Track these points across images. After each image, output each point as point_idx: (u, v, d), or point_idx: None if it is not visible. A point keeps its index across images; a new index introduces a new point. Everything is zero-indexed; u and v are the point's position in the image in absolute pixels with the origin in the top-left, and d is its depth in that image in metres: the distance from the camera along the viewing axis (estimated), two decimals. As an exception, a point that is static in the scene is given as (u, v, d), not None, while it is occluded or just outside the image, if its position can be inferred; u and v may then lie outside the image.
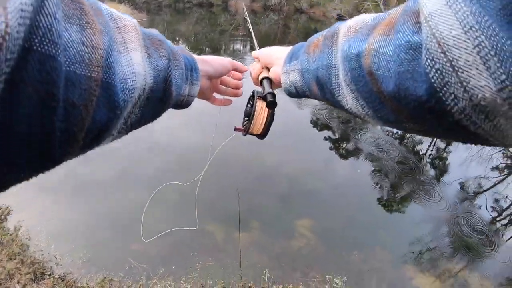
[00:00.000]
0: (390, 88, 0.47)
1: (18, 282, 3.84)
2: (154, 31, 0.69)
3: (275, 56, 1.00)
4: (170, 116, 0.83)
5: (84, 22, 0.42)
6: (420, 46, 0.41)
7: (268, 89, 0.98)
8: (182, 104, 0.83)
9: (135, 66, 0.53)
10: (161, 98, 0.65)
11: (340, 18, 0.84)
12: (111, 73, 0.45)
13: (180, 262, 4.28)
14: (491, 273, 4.51)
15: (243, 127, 1.06)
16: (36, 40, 0.32)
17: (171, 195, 5.42)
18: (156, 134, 7.39)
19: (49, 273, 4.04)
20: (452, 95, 0.38)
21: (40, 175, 0.41)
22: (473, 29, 0.34)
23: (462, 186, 6.46)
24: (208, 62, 0.95)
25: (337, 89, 0.66)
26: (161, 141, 7.29)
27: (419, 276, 4.38)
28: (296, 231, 4.98)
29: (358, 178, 6.55)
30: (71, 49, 0.38)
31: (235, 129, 1.06)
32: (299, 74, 0.82)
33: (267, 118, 1.02)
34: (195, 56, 0.90)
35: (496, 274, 4.51)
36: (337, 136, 7.96)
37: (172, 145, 7.23)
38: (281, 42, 22.69)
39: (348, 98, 0.62)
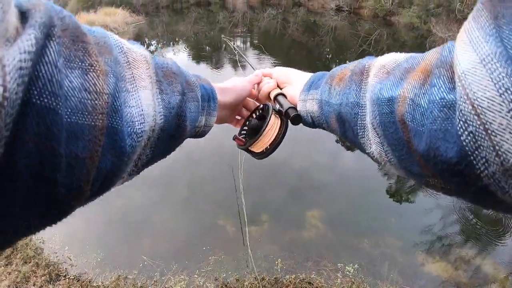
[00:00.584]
0: (421, 145, 0.44)
1: (34, 285, 3.90)
2: (169, 61, 0.67)
3: (293, 77, 0.96)
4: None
5: (87, 65, 0.39)
6: (454, 105, 0.39)
7: (287, 103, 0.90)
8: (198, 134, 0.81)
9: (144, 107, 0.50)
10: (173, 134, 0.62)
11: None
12: (118, 118, 0.43)
13: (193, 257, 4.32)
14: (505, 259, 4.52)
15: (243, 138, 0.96)
16: (35, 92, 0.30)
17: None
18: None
19: (64, 274, 4.10)
20: (483, 159, 0.36)
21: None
22: (508, 91, 0.32)
23: None
24: (227, 91, 0.91)
25: (362, 130, 0.63)
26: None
27: (430, 262, 4.39)
28: (307, 221, 5.01)
29: (366, 168, 6.54)
30: (72, 98, 0.36)
31: (235, 138, 0.95)
32: (317, 105, 0.78)
33: (275, 138, 0.91)
34: (214, 84, 0.88)
35: (510, 260, 4.51)
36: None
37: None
38: (281, 36, 22.69)
39: (373, 142, 0.59)
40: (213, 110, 0.82)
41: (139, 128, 0.48)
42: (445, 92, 0.41)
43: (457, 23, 18.65)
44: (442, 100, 0.41)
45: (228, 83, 0.95)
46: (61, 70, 0.34)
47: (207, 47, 18.87)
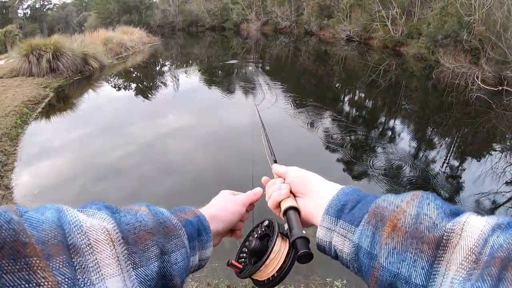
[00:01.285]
0: None
1: None
2: (141, 215, 0.63)
3: (312, 187, 0.81)
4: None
5: (34, 285, 0.37)
6: None
7: (298, 230, 0.74)
8: (194, 270, 0.77)
9: None
10: None
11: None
12: None
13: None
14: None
15: (241, 263, 0.81)
16: None
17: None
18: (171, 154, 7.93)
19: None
20: None
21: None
22: None
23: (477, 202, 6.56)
24: (217, 218, 0.84)
25: None
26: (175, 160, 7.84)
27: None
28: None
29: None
30: None
31: (230, 264, 0.79)
32: (352, 248, 0.66)
33: (283, 263, 0.73)
34: (203, 211, 0.82)
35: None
36: (349, 159, 7.98)
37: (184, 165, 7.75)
38: (292, 64, 23.29)
39: None
40: (206, 242, 0.77)
41: None
42: None
43: (465, 54, 19.09)
44: None
45: (218, 207, 0.87)
46: None
47: (220, 71, 19.45)
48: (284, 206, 0.81)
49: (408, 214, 0.58)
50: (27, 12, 50.22)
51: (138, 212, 0.63)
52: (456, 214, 0.57)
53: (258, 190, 0.96)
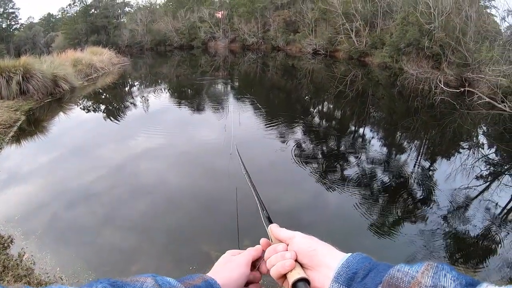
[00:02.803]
0: None
1: (24, 303, 3.86)
2: (145, 285, 0.63)
3: (322, 259, 0.75)
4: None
5: None
6: None
7: None
8: None
9: None
10: None
11: None
12: None
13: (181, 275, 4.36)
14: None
15: None
16: None
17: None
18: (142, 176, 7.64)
19: (55, 293, 4.08)
20: None
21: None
22: None
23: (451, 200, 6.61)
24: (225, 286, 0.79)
25: None
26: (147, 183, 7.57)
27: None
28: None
29: (347, 206, 6.62)
30: None
31: None
32: None
33: None
34: (212, 276, 0.79)
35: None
36: (322, 169, 7.94)
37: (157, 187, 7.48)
38: (261, 79, 23.39)
39: None
40: None
41: None
42: None
43: (427, 60, 19.76)
44: None
45: (222, 275, 0.81)
46: None
47: (189, 90, 19.29)
48: (292, 278, 0.74)
49: (423, 285, 0.55)
50: (-7, 32, 48.96)
51: (144, 284, 0.62)
52: (471, 285, 0.53)
53: (258, 247, 0.88)
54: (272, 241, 0.87)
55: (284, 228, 0.86)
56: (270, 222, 0.91)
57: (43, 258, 4.60)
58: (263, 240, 0.89)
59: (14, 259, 4.53)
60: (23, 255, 4.65)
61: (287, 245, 0.81)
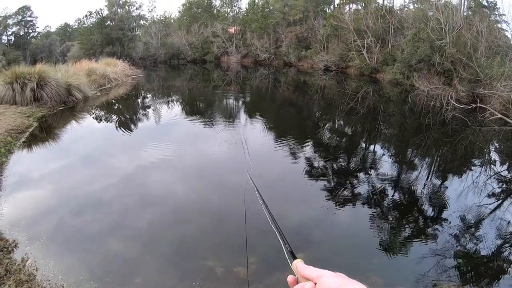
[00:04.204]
0: None
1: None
2: None
3: None
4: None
5: None
6: None
7: None
8: None
9: None
10: None
11: None
12: None
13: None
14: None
15: None
16: None
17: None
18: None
19: (57, 300, 4.16)
20: None
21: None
22: None
23: (461, 219, 6.52)
24: None
25: None
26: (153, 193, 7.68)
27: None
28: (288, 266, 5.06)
29: (357, 224, 6.65)
30: None
31: None
32: None
33: None
34: None
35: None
36: (332, 186, 7.91)
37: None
38: (272, 95, 23.52)
39: None
40: None
41: None
42: None
43: (438, 76, 19.68)
44: None
45: None
46: None
47: (201, 104, 19.50)
48: None
49: None
50: (11, 39, 49.97)
51: None
52: None
53: None
54: (298, 278, 0.84)
55: (311, 266, 0.82)
56: (294, 257, 0.89)
57: (46, 264, 4.64)
58: (290, 278, 0.86)
59: (17, 264, 4.59)
60: (27, 260, 4.70)
61: (315, 284, 0.77)
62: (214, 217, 6.31)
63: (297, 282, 0.82)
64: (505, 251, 5.56)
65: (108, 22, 48.64)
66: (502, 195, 7.71)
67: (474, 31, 18.53)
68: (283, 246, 0.96)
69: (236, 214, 5.99)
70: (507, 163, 10.01)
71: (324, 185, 7.81)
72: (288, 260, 0.89)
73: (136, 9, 50.90)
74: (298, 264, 0.84)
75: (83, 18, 53.08)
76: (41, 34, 56.47)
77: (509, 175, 9.21)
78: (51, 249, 5.09)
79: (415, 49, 21.70)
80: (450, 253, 5.38)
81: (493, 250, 5.50)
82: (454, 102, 15.40)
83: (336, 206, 6.92)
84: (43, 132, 11.38)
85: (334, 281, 0.73)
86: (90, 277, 4.50)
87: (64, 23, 68.96)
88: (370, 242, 5.62)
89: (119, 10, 49.24)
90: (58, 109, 14.04)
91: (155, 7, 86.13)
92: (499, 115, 12.88)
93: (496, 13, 23.59)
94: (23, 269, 4.52)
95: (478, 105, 14.33)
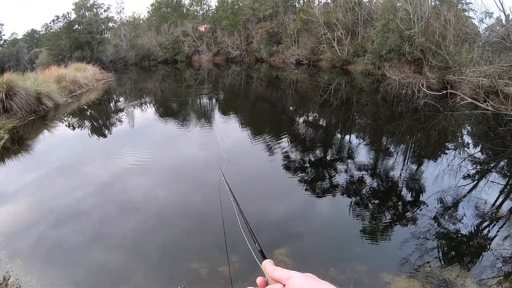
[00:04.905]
0: None
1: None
2: None
3: None
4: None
5: None
6: None
7: None
8: None
9: None
10: None
11: None
12: None
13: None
14: (475, 273, 4.58)
15: None
16: None
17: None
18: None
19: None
20: None
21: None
22: None
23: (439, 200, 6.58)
24: None
25: None
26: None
27: (396, 280, 4.40)
28: (274, 258, 4.92)
29: (336, 214, 6.59)
30: None
31: None
32: None
33: None
34: None
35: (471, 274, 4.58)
36: (310, 178, 7.80)
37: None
38: (245, 91, 23.37)
39: None
40: None
41: None
42: None
43: (409, 65, 20.02)
44: None
45: None
46: None
47: (174, 104, 19.11)
48: None
49: None
50: (-23, 48, 48.21)
51: None
52: None
53: None
54: (268, 279, 0.81)
55: (280, 268, 0.79)
56: (264, 257, 0.86)
57: (29, 281, 4.38)
58: (259, 280, 0.82)
59: (0, 283, 4.32)
60: (9, 279, 4.43)
61: (284, 286, 0.75)
62: (195, 218, 6.11)
63: (266, 283, 0.80)
64: (483, 230, 5.60)
65: (76, 26, 47.26)
66: (477, 175, 7.81)
67: (442, 20, 18.89)
68: (249, 245, 0.93)
69: (215, 213, 5.80)
70: (480, 145, 10.16)
71: (303, 178, 7.71)
72: (257, 260, 0.87)
73: (104, 11, 49.42)
74: (267, 265, 0.82)
75: (50, 23, 51.40)
76: (7, 41, 54.53)
77: (482, 156, 9.34)
78: (33, 264, 4.81)
79: (385, 40, 21.98)
80: (431, 235, 5.38)
81: (471, 229, 5.53)
82: (425, 90, 15.64)
83: (316, 197, 6.84)
84: (15, 144, 10.80)
85: (303, 283, 0.72)
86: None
87: (31, 29, 66.83)
88: (352, 231, 5.56)
89: (86, 13, 47.79)
90: (29, 119, 13.34)
91: (123, 9, 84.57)
92: (470, 100, 13.09)
93: (463, 1, 24.10)
94: (6, 287, 4.25)
95: (449, 91, 14.54)
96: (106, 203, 6.80)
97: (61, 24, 47.94)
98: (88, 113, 16.65)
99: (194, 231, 5.70)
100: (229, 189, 1.32)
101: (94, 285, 4.45)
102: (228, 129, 12.01)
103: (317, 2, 37.25)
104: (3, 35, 52.11)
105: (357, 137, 11.37)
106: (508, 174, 8.04)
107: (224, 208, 4.82)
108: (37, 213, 6.48)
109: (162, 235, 5.60)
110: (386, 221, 5.85)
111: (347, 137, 11.44)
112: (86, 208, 6.56)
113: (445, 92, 14.69)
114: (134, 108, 17.88)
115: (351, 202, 6.46)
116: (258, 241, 0.93)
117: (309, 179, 7.67)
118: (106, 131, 13.14)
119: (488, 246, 5.10)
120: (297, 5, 41.33)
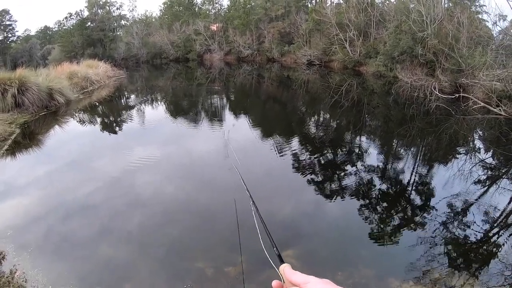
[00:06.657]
0: None
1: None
2: None
3: None
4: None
5: None
6: None
7: None
8: None
9: None
10: None
11: None
12: None
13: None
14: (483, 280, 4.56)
15: None
16: None
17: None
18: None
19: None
20: None
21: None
22: None
23: (449, 206, 6.51)
24: None
25: None
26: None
27: (404, 287, 4.39)
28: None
29: (345, 216, 6.59)
30: None
31: None
32: None
33: None
34: None
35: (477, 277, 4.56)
36: (319, 178, 7.84)
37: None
38: (256, 91, 23.39)
39: None
40: None
41: None
42: None
43: (421, 67, 19.82)
44: None
45: None
46: None
47: (185, 102, 19.21)
48: None
49: None
50: (-10, 44, 49.11)
51: None
52: None
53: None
54: (284, 282, 0.82)
55: (298, 272, 0.79)
56: (282, 261, 0.87)
57: (36, 275, 4.43)
58: (275, 282, 0.83)
59: (6, 277, 4.38)
60: (15, 272, 4.47)
61: None
62: (203, 216, 6.12)
63: (282, 287, 0.80)
64: (493, 237, 5.53)
65: (89, 23, 47.86)
66: (487, 181, 7.71)
67: (455, 22, 18.69)
68: (264, 248, 0.95)
69: (223, 213, 5.84)
70: (491, 150, 10.05)
71: (312, 179, 7.69)
72: (273, 264, 0.88)
73: (117, 9, 50.03)
74: (286, 269, 0.82)
75: (63, 20, 52.25)
76: (21, 38, 55.44)
77: (493, 162, 9.23)
78: (40, 258, 4.86)
79: (397, 41, 21.81)
80: (439, 240, 5.31)
81: (481, 235, 5.47)
82: (437, 92, 15.49)
83: (324, 199, 6.83)
84: (27, 138, 10.96)
85: (320, 284, 0.72)
86: (80, 285, 4.30)
87: (44, 26, 67.73)
88: (360, 234, 5.53)
89: (99, 10, 48.36)
90: (41, 114, 13.51)
91: (136, 7, 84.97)
92: (482, 104, 12.95)
93: (477, 4, 23.78)
94: (12, 281, 4.32)
95: (461, 94, 14.41)
96: (114, 199, 6.86)
97: (74, 22, 48.63)
98: (99, 109, 16.80)
99: (202, 230, 5.71)
100: (248, 192, 1.31)
101: (99, 281, 4.48)
102: (238, 128, 12.07)
103: (330, 3, 37.09)
104: (17, 31, 53.04)
105: (367, 139, 11.30)
106: (520, 180, 7.95)
107: (233, 209, 4.87)
108: (46, 207, 6.56)
109: (169, 232, 5.63)
110: (394, 225, 5.82)
111: (357, 138, 11.39)
112: (94, 203, 6.63)
113: (457, 95, 14.55)
114: (145, 105, 18.01)
115: (360, 205, 6.42)
116: (276, 244, 0.93)
117: (318, 180, 7.65)
118: (117, 128, 13.28)
119: (497, 253, 5.04)
120: (309, 5, 41.18)
